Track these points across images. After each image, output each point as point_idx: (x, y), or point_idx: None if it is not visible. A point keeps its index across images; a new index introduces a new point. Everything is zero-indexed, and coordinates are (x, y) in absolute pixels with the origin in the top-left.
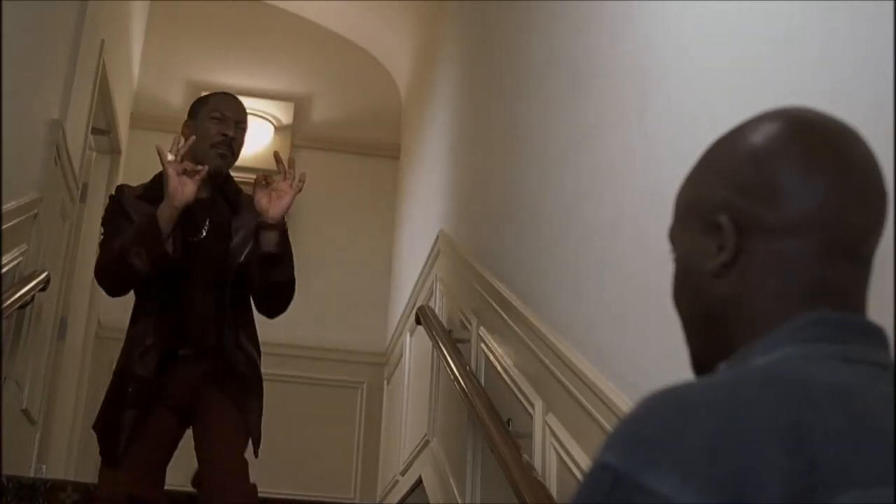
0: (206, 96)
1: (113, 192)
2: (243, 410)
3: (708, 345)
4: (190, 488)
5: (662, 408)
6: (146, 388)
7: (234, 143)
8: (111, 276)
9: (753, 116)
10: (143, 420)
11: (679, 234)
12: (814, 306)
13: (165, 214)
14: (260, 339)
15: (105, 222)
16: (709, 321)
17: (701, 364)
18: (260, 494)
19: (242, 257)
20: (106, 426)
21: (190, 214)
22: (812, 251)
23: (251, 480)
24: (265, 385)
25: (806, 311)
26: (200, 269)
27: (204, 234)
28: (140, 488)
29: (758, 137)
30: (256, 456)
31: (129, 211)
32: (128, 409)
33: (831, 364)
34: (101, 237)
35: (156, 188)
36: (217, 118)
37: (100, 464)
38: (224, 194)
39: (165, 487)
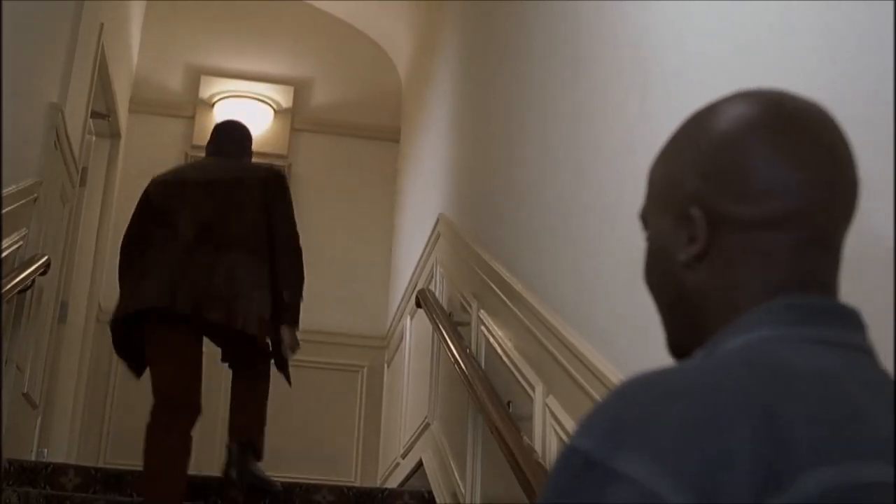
0: None
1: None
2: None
3: (682, 330)
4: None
5: (636, 394)
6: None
7: None
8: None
9: (728, 96)
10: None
11: (652, 216)
12: (788, 293)
13: None
14: None
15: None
16: (681, 308)
17: (677, 348)
18: None
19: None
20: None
21: None
22: (785, 243)
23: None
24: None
25: (780, 297)
26: None
27: None
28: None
29: (731, 125)
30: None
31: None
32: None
33: (808, 347)
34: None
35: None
36: None
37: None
38: None
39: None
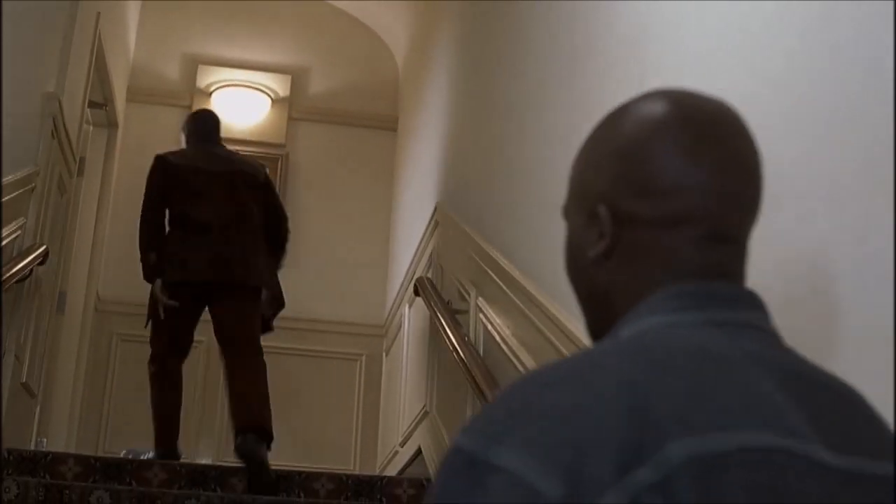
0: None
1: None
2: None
3: (597, 321)
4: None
5: (515, 388)
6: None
7: None
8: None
9: (638, 96)
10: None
11: (570, 213)
12: (685, 281)
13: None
14: None
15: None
16: (593, 301)
17: (595, 337)
18: None
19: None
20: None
21: None
22: (689, 241)
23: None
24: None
25: (676, 285)
26: None
27: None
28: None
29: (637, 125)
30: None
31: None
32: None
33: (692, 328)
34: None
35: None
36: None
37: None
38: None
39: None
